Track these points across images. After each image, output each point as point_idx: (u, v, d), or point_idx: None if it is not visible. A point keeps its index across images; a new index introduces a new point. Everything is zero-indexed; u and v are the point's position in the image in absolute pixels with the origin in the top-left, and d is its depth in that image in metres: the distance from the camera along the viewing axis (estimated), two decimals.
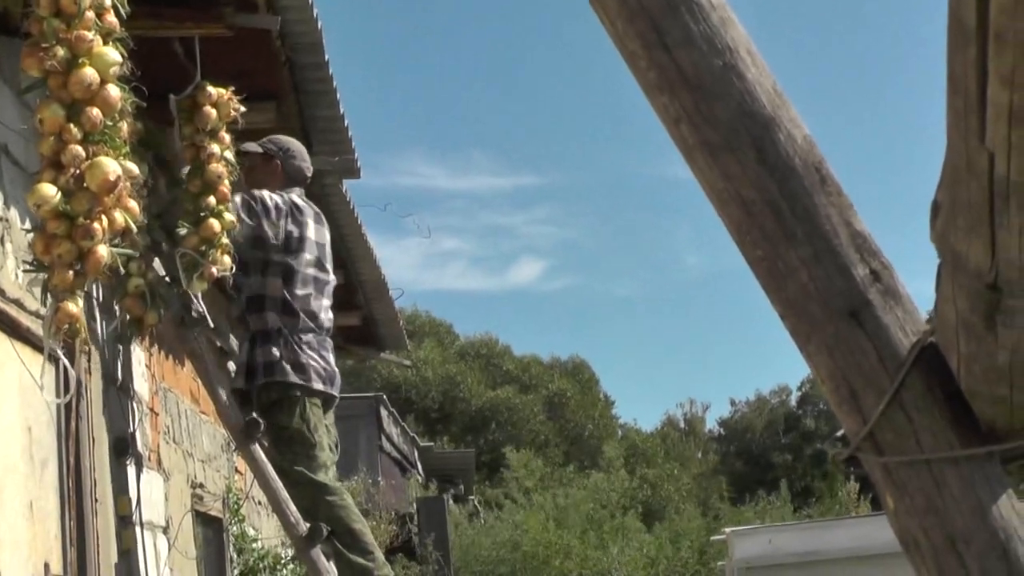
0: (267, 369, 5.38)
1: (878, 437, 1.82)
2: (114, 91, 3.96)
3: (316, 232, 5.68)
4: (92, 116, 3.89)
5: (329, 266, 5.78)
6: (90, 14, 3.94)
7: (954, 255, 1.53)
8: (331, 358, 5.63)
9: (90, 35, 3.90)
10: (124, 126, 4.16)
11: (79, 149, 3.87)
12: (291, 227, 5.53)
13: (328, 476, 5.36)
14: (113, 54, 3.96)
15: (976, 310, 1.56)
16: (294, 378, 5.35)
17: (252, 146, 5.73)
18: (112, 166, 3.89)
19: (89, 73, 3.89)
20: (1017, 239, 1.36)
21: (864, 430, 1.82)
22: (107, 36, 4.04)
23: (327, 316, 5.70)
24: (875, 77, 69.52)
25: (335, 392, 5.62)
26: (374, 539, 5.33)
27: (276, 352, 5.38)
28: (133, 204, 4.18)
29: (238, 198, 5.39)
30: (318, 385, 5.44)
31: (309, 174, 5.90)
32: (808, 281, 1.83)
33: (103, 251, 3.91)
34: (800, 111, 1.85)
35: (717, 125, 1.83)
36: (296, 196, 5.67)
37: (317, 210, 5.84)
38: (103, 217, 3.93)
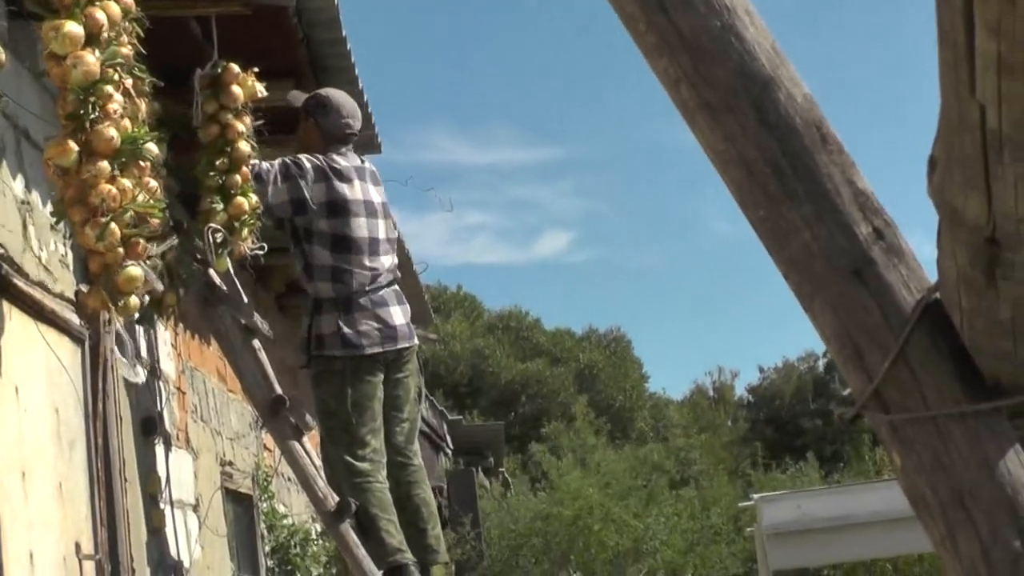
0: (318, 342, 5.39)
1: (884, 395, 1.82)
2: (86, 59, 3.82)
3: (363, 190, 5.54)
4: (64, 100, 3.86)
5: (383, 222, 5.63)
6: None
7: (952, 210, 1.53)
8: (393, 311, 5.49)
9: (51, 27, 3.83)
10: (142, 105, 4.17)
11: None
12: (329, 191, 5.43)
13: (366, 451, 5.33)
14: (73, 27, 3.82)
15: (976, 264, 1.56)
16: (339, 351, 5.33)
17: (297, 96, 5.68)
18: (65, 145, 3.81)
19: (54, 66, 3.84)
20: (1012, 192, 1.36)
21: (870, 388, 1.82)
22: (125, 15, 4.04)
23: (386, 270, 5.56)
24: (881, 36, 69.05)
25: (399, 346, 5.48)
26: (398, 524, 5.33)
27: (327, 325, 5.36)
28: (153, 184, 4.19)
29: (277, 163, 5.37)
30: (373, 350, 5.37)
31: (351, 129, 5.68)
32: (811, 240, 1.83)
33: (88, 232, 3.88)
34: (800, 70, 1.85)
35: (716, 86, 1.83)
36: (338, 156, 5.54)
37: (365, 165, 5.69)
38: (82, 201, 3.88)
